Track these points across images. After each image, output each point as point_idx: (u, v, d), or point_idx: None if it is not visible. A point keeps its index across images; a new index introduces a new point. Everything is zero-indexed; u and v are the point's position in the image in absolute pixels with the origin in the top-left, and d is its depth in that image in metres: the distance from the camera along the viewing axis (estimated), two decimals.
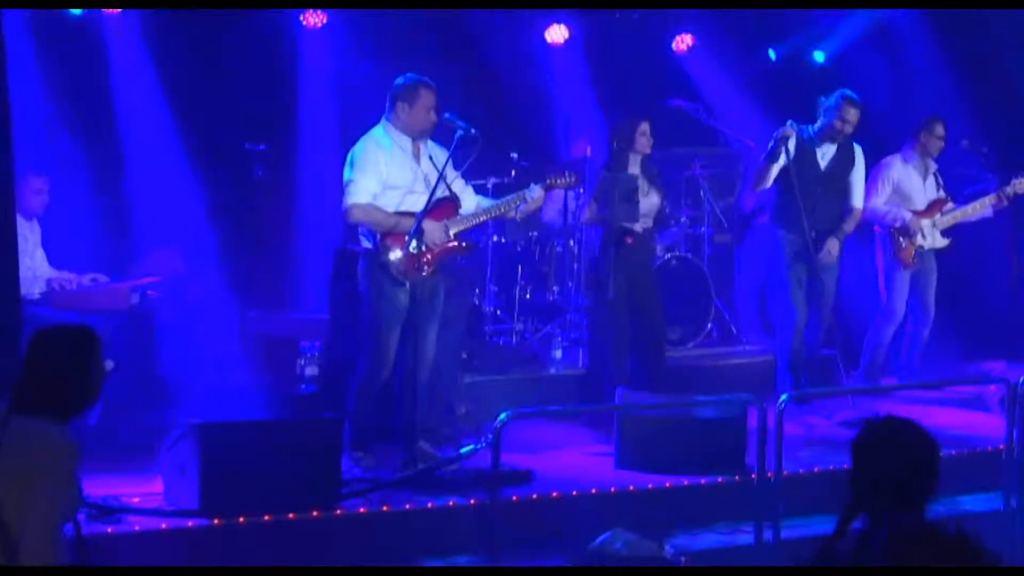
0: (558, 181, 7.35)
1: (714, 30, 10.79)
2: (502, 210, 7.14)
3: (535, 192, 7.06)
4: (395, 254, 6.75)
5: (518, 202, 7.08)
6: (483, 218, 7.13)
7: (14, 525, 3.66)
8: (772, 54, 11.13)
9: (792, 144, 8.04)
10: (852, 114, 8.15)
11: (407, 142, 6.88)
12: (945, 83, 10.48)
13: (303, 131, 9.60)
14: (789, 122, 8.03)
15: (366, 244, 6.86)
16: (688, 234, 10.29)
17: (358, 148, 6.85)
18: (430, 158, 6.91)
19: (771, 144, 8.01)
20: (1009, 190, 8.95)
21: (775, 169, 8.06)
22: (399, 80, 6.92)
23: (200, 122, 8.83)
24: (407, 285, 6.76)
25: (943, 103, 10.15)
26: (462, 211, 6.98)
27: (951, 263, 9.26)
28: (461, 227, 6.95)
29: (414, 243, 6.69)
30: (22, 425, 3.75)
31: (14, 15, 7.82)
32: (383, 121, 6.93)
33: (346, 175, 6.80)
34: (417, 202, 6.81)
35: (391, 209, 6.79)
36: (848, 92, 8.25)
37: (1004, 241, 9.83)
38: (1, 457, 3.68)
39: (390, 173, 6.80)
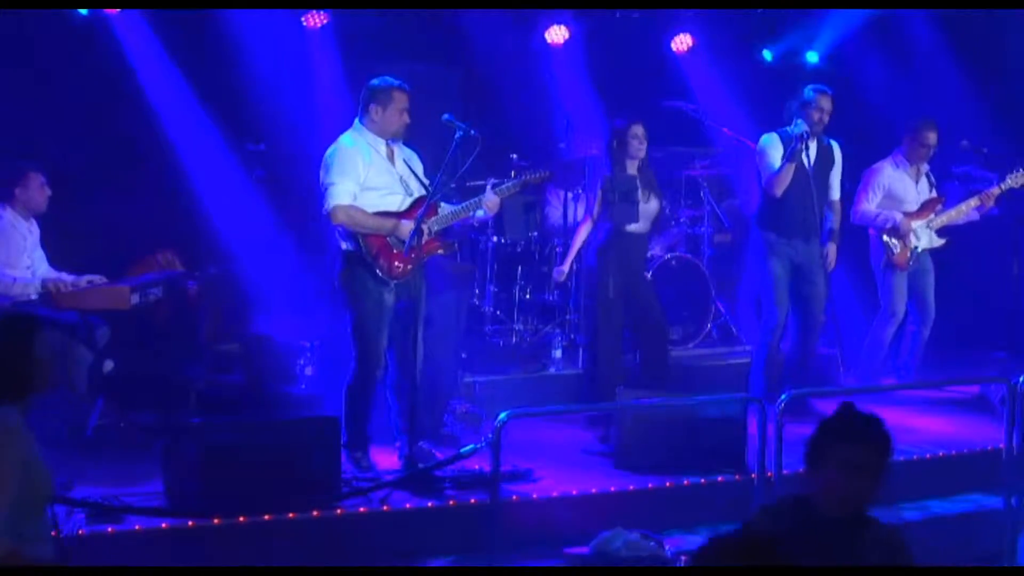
0: (533, 177, 7.41)
1: (713, 31, 10.80)
2: (465, 214, 7.14)
3: (490, 197, 7.06)
4: (381, 255, 6.75)
5: (476, 207, 7.10)
6: (455, 218, 7.12)
7: None
8: (768, 55, 11.13)
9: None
10: (827, 102, 8.12)
11: (381, 144, 6.88)
12: (943, 82, 10.49)
13: (303, 131, 9.60)
14: (800, 121, 7.99)
15: (345, 246, 6.85)
16: (688, 234, 10.29)
17: (333, 151, 6.84)
18: (404, 160, 6.92)
19: (792, 145, 7.97)
20: (1004, 185, 8.94)
21: (791, 170, 8.03)
22: (373, 82, 6.91)
23: (200, 122, 8.83)
24: (392, 285, 6.77)
25: (941, 102, 10.16)
26: (440, 212, 6.99)
27: (952, 262, 9.25)
28: (440, 227, 6.96)
29: (407, 246, 6.70)
30: None
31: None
32: (356, 123, 6.93)
33: (324, 178, 6.78)
34: (394, 202, 6.82)
35: (372, 209, 6.79)
36: (816, 85, 8.23)
37: (1005, 240, 9.84)
38: None
39: (368, 175, 6.80)
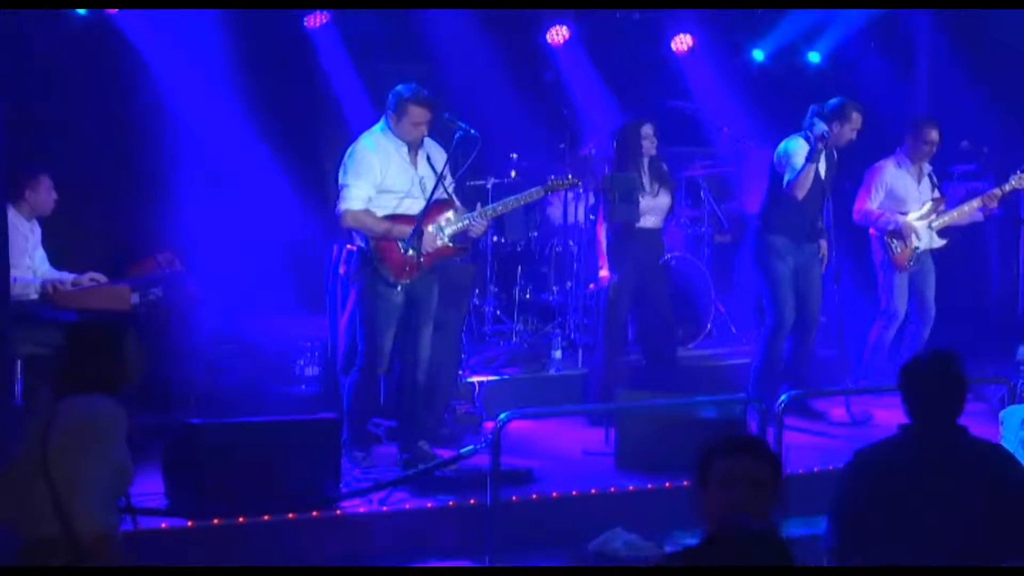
0: (560, 183, 7.42)
1: (713, 31, 10.80)
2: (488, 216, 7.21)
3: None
4: (387, 257, 6.76)
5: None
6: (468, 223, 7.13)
7: (71, 498, 4.00)
8: (759, 54, 11.12)
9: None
10: (858, 120, 8.10)
11: (403, 146, 6.89)
12: (944, 82, 10.48)
13: (304, 130, 9.61)
14: (819, 122, 7.95)
15: (357, 244, 6.88)
16: (688, 234, 10.29)
17: (352, 151, 6.86)
18: (427, 159, 6.91)
19: (812, 146, 7.93)
20: (1008, 186, 8.92)
21: (812, 171, 8.00)
22: (397, 89, 6.88)
23: (201, 122, 8.83)
24: (400, 286, 6.78)
25: (941, 102, 10.15)
26: (456, 214, 6.99)
27: (953, 262, 9.24)
28: (455, 230, 6.96)
29: (406, 246, 6.71)
30: (71, 403, 4.15)
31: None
32: (382, 121, 6.94)
33: (341, 178, 6.82)
34: (412, 206, 6.83)
35: (387, 211, 6.81)
36: (850, 100, 8.18)
37: (1006, 240, 9.83)
38: (53, 437, 4.06)
39: (385, 177, 6.82)
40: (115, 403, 4.23)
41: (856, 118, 8.09)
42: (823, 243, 8.29)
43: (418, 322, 6.85)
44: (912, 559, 4.08)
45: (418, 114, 6.80)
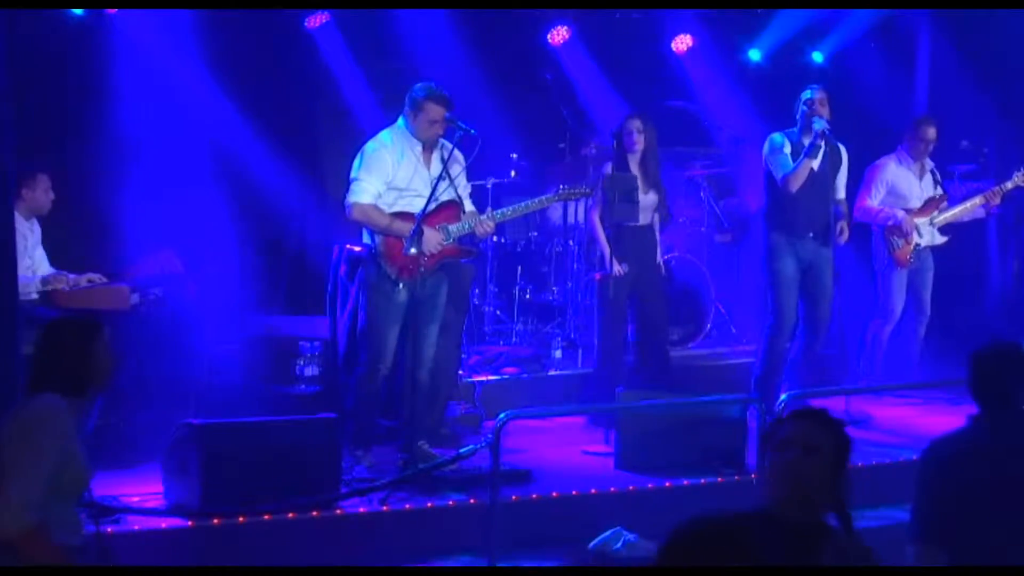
0: (572, 192, 7.41)
1: (713, 31, 10.81)
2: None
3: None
4: (391, 255, 6.77)
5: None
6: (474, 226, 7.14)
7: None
8: (756, 55, 11.12)
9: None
10: (820, 97, 8.11)
11: (417, 146, 6.90)
12: (944, 82, 10.49)
13: (302, 130, 9.60)
14: (820, 119, 7.95)
15: (367, 240, 6.90)
16: (688, 234, 10.29)
17: (369, 146, 6.90)
18: (443, 162, 6.91)
19: (812, 141, 7.94)
20: (1011, 183, 8.92)
21: (808, 166, 8.00)
22: (414, 87, 6.91)
23: (200, 121, 8.83)
24: (403, 284, 6.79)
25: (942, 102, 10.16)
26: (465, 215, 6.99)
27: (951, 260, 9.24)
28: (460, 231, 6.96)
29: (408, 245, 6.71)
30: (25, 403, 4.15)
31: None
32: (400, 119, 6.96)
33: (354, 171, 6.85)
34: (417, 205, 6.83)
35: (395, 208, 6.82)
36: (809, 85, 8.22)
37: (1008, 238, 9.83)
38: (9, 433, 4.05)
39: (396, 174, 6.84)
40: (57, 400, 4.10)
41: (816, 97, 8.08)
42: (843, 223, 8.22)
43: (422, 322, 6.85)
44: (995, 550, 4.13)
45: (434, 111, 6.82)
